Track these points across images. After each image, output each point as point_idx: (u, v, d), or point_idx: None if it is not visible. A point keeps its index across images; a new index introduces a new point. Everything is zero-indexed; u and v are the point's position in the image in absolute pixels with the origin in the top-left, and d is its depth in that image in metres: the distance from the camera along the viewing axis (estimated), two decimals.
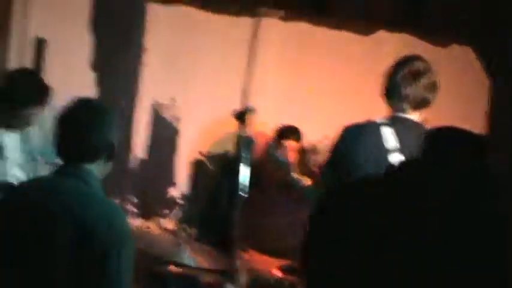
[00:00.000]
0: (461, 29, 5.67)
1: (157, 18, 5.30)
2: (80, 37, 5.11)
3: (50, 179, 2.73)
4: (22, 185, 3.06)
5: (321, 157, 5.64)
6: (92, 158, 2.59)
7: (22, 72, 4.20)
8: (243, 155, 3.97)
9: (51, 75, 4.68)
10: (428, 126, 5.72)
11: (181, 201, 5.34)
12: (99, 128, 2.59)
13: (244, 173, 3.93)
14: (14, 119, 3.95)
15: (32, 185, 2.84)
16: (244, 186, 3.92)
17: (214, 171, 5.44)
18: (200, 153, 5.38)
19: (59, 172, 2.63)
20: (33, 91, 3.90)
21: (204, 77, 5.42)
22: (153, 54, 5.30)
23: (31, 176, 4.02)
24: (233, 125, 5.42)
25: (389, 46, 5.71)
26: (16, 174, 4.01)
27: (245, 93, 5.43)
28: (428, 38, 5.83)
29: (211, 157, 5.46)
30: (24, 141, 4.09)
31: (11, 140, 4.03)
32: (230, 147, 5.47)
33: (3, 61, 4.95)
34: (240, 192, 3.88)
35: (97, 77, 5.14)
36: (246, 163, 3.93)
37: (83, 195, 2.54)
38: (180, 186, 5.39)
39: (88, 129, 2.58)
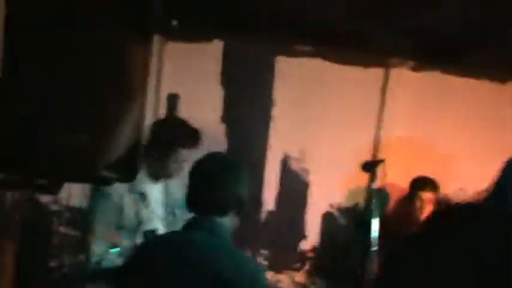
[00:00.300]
0: None
1: (285, 70, 5.33)
2: (211, 91, 5.20)
3: (182, 232, 2.75)
4: (157, 237, 3.16)
5: None
6: (223, 212, 2.63)
7: (173, 117, 4.25)
8: (374, 207, 3.91)
9: None
10: None
11: (312, 255, 5.29)
12: (230, 183, 2.64)
13: (374, 226, 3.87)
14: (160, 165, 3.91)
15: (165, 238, 2.90)
16: (375, 238, 3.86)
17: (345, 224, 5.36)
18: (331, 205, 5.32)
19: (191, 225, 2.67)
20: (184, 131, 3.90)
21: (334, 129, 5.38)
22: (282, 106, 5.33)
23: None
24: (363, 177, 5.41)
25: None
26: (157, 227, 3.97)
27: (376, 145, 5.41)
28: None
29: (342, 210, 5.38)
30: (166, 193, 4.10)
31: (154, 191, 4.02)
32: (360, 200, 5.42)
33: (140, 117, 5.08)
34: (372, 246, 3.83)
35: (227, 130, 5.19)
36: (376, 216, 3.87)
37: (215, 247, 2.56)
38: (311, 239, 5.33)
39: (219, 183, 2.63)
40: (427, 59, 5.43)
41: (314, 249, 5.32)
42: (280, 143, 5.26)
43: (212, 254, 2.53)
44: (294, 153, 5.30)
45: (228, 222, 2.65)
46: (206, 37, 5.17)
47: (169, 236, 2.96)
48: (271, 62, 5.31)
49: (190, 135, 3.89)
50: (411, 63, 5.47)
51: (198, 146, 3.83)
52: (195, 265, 2.51)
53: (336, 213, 5.35)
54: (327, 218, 5.34)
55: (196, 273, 2.48)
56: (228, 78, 5.24)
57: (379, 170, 4.04)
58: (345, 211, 5.39)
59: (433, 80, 5.51)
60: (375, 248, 3.89)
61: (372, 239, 3.89)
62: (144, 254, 2.73)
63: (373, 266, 3.89)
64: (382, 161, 4.12)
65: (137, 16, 4.79)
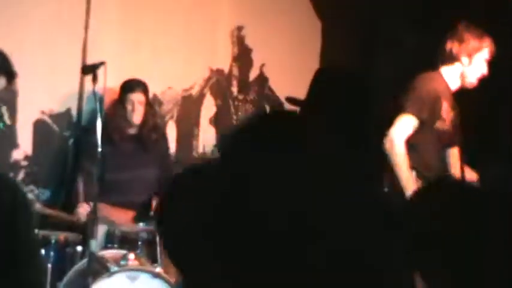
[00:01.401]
0: None
1: None
2: None
3: None
4: None
5: (166, 108, 5.70)
6: None
7: None
8: (98, 111, 3.95)
9: None
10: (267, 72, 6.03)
11: (25, 163, 5.18)
12: None
13: (100, 130, 3.92)
14: None
15: None
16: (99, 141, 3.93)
17: (58, 130, 5.32)
18: (42, 112, 5.22)
19: None
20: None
21: (41, 32, 5.22)
22: None
23: None
24: (72, 80, 5.38)
25: None
26: None
27: (84, 48, 5.37)
28: None
29: (55, 116, 5.31)
30: None
31: None
32: (72, 105, 5.40)
33: None
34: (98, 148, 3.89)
35: None
36: (100, 118, 3.92)
37: None
38: (24, 147, 5.20)
39: None
40: None
41: (27, 158, 5.21)
42: None
43: None
44: None
45: None
46: None
47: None
48: None
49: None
50: None
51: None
52: None
53: (48, 119, 5.27)
54: (40, 126, 5.24)
55: None
56: None
57: (100, 72, 4.03)
58: (58, 117, 5.33)
59: None
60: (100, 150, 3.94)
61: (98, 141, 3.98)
62: None
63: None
64: (102, 63, 4.11)
65: None
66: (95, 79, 4.07)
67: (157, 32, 5.64)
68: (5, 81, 4.01)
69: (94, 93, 4.09)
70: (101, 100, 4.14)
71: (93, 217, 4.06)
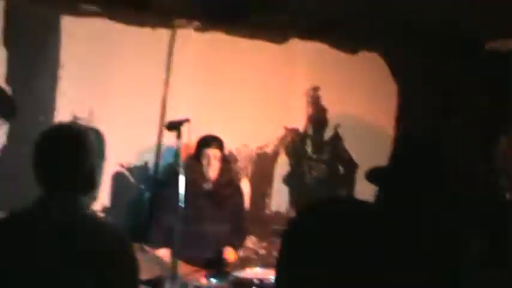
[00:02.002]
0: (370, 36, 5.88)
1: (72, 31, 5.23)
2: None
3: (32, 210, 2.58)
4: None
5: (241, 164, 5.77)
6: (73, 188, 2.52)
7: None
8: (180, 165, 3.99)
9: None
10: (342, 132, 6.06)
11: (103, 214, 5.30)
12: (76, 157, 2.53)
13: (182, 183, 3.96)
14: None
15: (16, 216, 2.65)
16: (182, 196, 3.97)
17: (135, 183, 5.44)
18: (121, 165, 5.36)
19: (42, 202, 2.54)
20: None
21: (122, 90, 5.39)
22: (68, 67, 5.23)
23: None
24: (151, 136, 5.52)
25: (303, 54, 5.89)
26: None
27: (163, 105, 5.52)
28: (338, 45, 6.03)
29: (132, 168, 5.46)
30: None
31: None
32: (149, 159, 5.53)
33: None
34: (180, 203, 3.94)
35: (13, 93, 5.04)
36: (182, 174, 3.97)
37: (70, 221, 2.47)
38: (102, 199, 5.34)
39: (65, 158, 2.52)
40: (211, 20, 5.60)
41: (104, 210, 5.34)
42: (68, 104, 5.18)
43: (68, 227, 2.44)
44: (82, 114, 5.24)
45: (83, 197, 2.54)
46: None
47: (20, 214, 2.69)
48: (57, 21, 5.18)
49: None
50: (196, 23, 5.62)
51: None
52: (55, 239, 2.41)
53: (126, 172, 5.40)
54: (118, 178, 5.38)
55: (55, 248, 2.40)
56: (11, 38, 5.05)
57: (183, 130, 4.10)
58: (135, 170, 5.46)
59: (217, 40, 5.69)
60: (182, 205, 3.98)
61: (180, 196, 3.97)
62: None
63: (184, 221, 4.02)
64: (187, 120, 4.15)
65: None
66: (179, 135, 4.09)
67: (234, 91, 5.77)
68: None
69: (178, 149, 4.11)
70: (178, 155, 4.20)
71: (171, 272, 4.06)
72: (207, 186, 5.11)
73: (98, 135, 2.72)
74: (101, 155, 2.67)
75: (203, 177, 5.05)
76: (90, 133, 2.66)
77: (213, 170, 5.04)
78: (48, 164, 2.53)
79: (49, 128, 2.74)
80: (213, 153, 5.04)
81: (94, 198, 2.60)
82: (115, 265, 2.44)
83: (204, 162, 5.03)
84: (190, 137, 4.24)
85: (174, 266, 4.10)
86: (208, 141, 5.08)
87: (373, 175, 2.38)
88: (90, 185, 2.57)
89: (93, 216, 2.61)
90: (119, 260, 2.47)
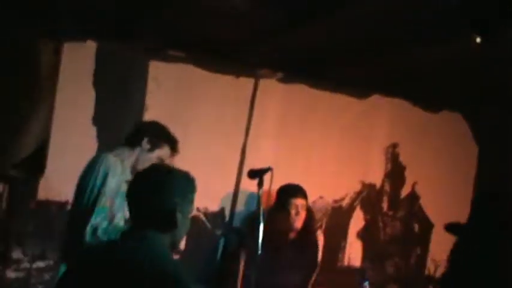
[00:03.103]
0: (452, 95, 5.85)
1: (158, 75, 5.37)
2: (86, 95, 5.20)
3: (118, 241, 2.72)
4: (94, 246, 3.13)
5: (316, 216, 5.77)
6: (158, 226, 2.59)
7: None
8: (261, 213, 3.99)
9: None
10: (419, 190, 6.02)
11: (177, 257, 5.34)
12: (167, 198, 2.61)
13: (261, 232, 3.97)
14: (147, 159, 4.14)
15: (102, 247, 2.84)
16: (260, 244, 3.97)
17: (211, 228, 5.50)
18: (198, 209, 5.42)
19: (127, 235, 2.66)
20: (169, 134, 4.26)
21: (204, 135, 5.50)
22: (154, 111, 5.35)
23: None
24: (229, 182, 5.57)
25: (384, 110, 5.90)
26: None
27: (243, 153, 5.58)
28: (420, 103, 6.01)
29: (209, 214, 5.51)
30: None
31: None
32: (226, 205, 5.58)
33: (48, 118, 5.08)
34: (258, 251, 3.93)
35: (98, 132, 5.18)
36: (263, 221, 3.98)
37: (147, 257, 2.53)
38: None
39: (156, 197, 2.61)
40: (294, 72, 5.69)
41: (180, 252, 5.39)
42: None
43: (143, 264, 2.50)
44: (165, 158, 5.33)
45: (160, 234, 2.60)
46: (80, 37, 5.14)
47: (107, 245, 2.90)
48: (145, 66, 5.33)
49: (173, 138, 4.10)
50: (279, 74, 5.70)
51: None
52: (128, 274, 2.48)
53: (202, 217, 5.45)
54: (194, 222, 5.43)
55: (129, 282, 2.47)
56: (101, 81, 5.21)
57: (266, 177, 4.11)
58: (212, 215, 5.51)
59: (299, 92, 5.77)
60: (260, 252, 3.97)
61: (259, 244, 3.96)
62: (83, 262, 2.69)
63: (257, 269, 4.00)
64: (269, 169, 4.16)
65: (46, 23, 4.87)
66: (260, 183, 4.12)
67: (313, 144, 5.82)
68: (168, 150, 4.28)
69: (259, 197, 4.10)
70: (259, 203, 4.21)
71: None
72: (292, 235, 5.05)
73: (187, 178, 2.75)
74: (184, 195, 2.67)
75: (290, 226, 4.99)
76: (176, 174, 2.75)
77: (300, 219, 4.99)
78: (134, 201, 2.65)
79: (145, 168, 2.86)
80: (300, 202, 5.00)
81: (176, 242, 2.58)
82: None
83: (293, 211, 4.97)
84: (271, 186, 4.22)
85: None
86: (295, 190, 5.05)
87: (453, 227, 2.44)
88: (170, 223, 2.61)
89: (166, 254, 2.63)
90: None
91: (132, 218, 2.67)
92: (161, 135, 4.28)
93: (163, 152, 4.23)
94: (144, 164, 4.05)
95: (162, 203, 2.60)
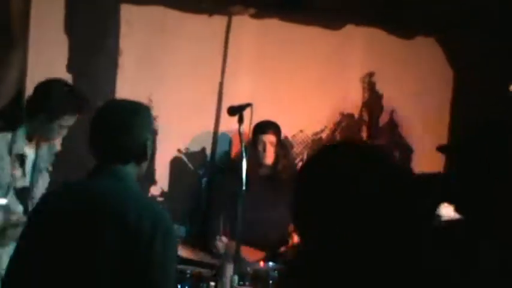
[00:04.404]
0: (427, 20, 5.85)
1: (130, 18, 5.35)
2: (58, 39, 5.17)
3: (85, 180, 2.77)
4: (59, 189, 3.04)
5: (298, 149, 5.82)
6: (125, 160, 2.65)
7: (58, 82, 4.24)
8: (243, 149, 4.03)
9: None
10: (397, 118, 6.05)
11: (161, 199, 5.40)
12: (131, 129, 2.66)
13: (244, 168, 4.00)
14: (48, 129, 4.09)
15: (71, 188, 2.85)
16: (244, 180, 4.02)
17: (193, 168, 5.52)
18: (179, 150, 5.44)
19: (95, 173, 2.70)
20: (71, 101, 4.07)
21: (180, 75, 5.49)
22: (127, 54, 5.36)
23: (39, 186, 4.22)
24: (208, 122, 5.60)
25: (358, 39, 5.90)
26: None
27: (220, 91, 5.59)
28: (395, 30, 6.01)
29: (190, 154, 5.52)
30: (38, 155, 4.24)
31: (41, 152, 4.22)
32: (207, 144, 5.61)
33: (23, 68, 5.06)
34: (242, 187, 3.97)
35: (73, 78, 5.13)
36: (245, 157, 4.01)
37: (119, 192, 2.62)
38: (160, 184, 5.44)
39: (120, 130, 2.66)
40: (267, 7, 5.67)
41: (163, 194, 5.44)
42: (128, 91, 5.26)
43: (115, 199, 2.59)
44: (142, 100, 5.31)
45: (132, 169, 2.67)
46: None
47: (73, 185, 2.89)
48: (117, 9, 5.30)
49: (77, 104, 4.05)
50: (252, 10, 5.67)
51: (83, 114, 3.95)
52: (100, 211, 2.55)
53: (184, 158, 5.48)
54: (176, 164, 5.47)
55: (100, 219, 2.53)
56: (73, 27, 5.19)
57: (246, 115, 4.14)
58: (193, 155, 5.53)
59: (273, 26, 5.75)
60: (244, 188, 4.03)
61: (243, 180, 4.02)
62: (46, 205, 2.76)
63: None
64: (249, 104, 4.21)
65: None
66: (240, 120, 4.16)
67: (291, 79, 5.80)
68: (73, 116, 4.16)
69: (240, 134, 4.15)
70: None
71: (234, 255, 4.12)
72: (263, 172, 5.16)
73: (150, 112, 2.84)
74: (151, 129, 2.82)
75: (259, 163, 5.10)
76: (144, 109, 2.82)
77: (268, 156, 5.10)
78: (106, 135, 2.68)
79: (107, 102, 3.02)
80: (268, 139, 5.10)
81: (141, 173, 2.67)
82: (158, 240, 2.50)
83: (260, 147, 5.09)
84: (251, 122, 4.25)
85: (236, 251, 4.17)
86: (264, 127, 5.12)
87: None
88: (142, 156, 2.69)
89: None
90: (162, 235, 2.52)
91: (99, 154, 2.70)
92: (58, 110, 4.10)
93: (64, 121, 4.10)
94: (47, 134, 4.14)
95: (136, 138, 2.66)
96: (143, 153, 2.69)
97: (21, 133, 4.10)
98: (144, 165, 2.75)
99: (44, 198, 3.00)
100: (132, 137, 2.66)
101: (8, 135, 4.10)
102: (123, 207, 2.54)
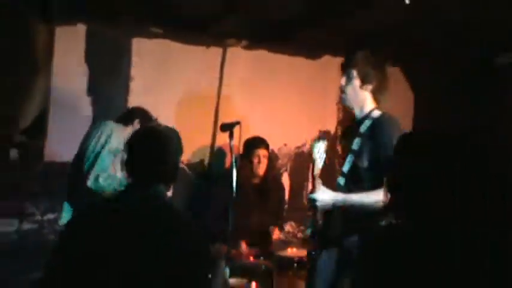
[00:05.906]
0: (391, 52, 6.40)
1: (140, 50, 5.94)
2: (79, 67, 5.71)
3: (118, 196, 2.85)
4: (95, 203, 3.08)
5: (283, 161, 6.49)
6: (158, 181, 2.77)
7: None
8: (233, 161, 4.16)
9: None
10: None
11: None
12: (165, 157, 2.81)
13: (234, 177, 4.16)
14: None
15: (101, 204, 2.96)
16: (234, 187, 4.17)
17: (192, 177, 6.08)
18: (182, 162, 5.88)
19: (128, 190, 2.78)
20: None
21: (182, 98, 6.10)
22: (138, 81, 5.93)
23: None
24: (205, 138, 6.22)
25: (334, 68, 6.51)
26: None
27: (216, 112, 6.29)
28: None
29: (190, 164, 6.10)
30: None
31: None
32: (205, 157, 6.25)
33: (46, 89, 5.46)
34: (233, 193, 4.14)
35: (92, 100, 5.73)
36: (235, 167, 4.19)
37: (153, 210, 2.71)
38: None
39: (156, 159, 2.78)
40: (257, 39, 6.30)
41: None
42: None
43: (150, 216, 2.67)
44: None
45: (163, 188, 2.81)
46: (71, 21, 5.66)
47: (113, 196, 3.10)
48: (129, 42, 5.90)
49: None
50: (244, 42, 6.35)
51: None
52: (135, 228, 2.62)
53: (186, 169, 6.03)
54: (180, 173, 5.98)
55: (136, 236, 2.60)
56: (92, 57, 5.70)
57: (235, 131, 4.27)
58: (192, 166, 6.12)
59: (262, 56, 6.44)
60: (234, 194, 4.17)
61: (233, 190, 4.15)
62: (83, 219, 2.78)
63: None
64: (238, 123, 4.31)
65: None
66: (231, 136, 4.26)
67: (277, 100, 6.50)
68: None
69: (231, 148, 4.24)
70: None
71: (227, 254, 4.38)
72: (255, 181, 5.49)
73: (178, 135, 3.28)
74: (180, 152, 3.10)
75: (253, 173, 5.43)
76: (176, 134, 3.25)
77: (262, 167, 5.43)
78: (143, 161, 2.77)
79: (142, 129, 3.30)
80: (262, 152, 5.43)
81: (167, 192, 2.82)
82: (194, 258, 2.64)
83: (255, 160, 5.39)
84: (241, 137, 4.44)
85: (229, 249, 4.46)
86: (258, 142, 5.45)
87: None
88: (173, 177, 2.88)
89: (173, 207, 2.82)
90: (198, 253, 2.67)
91: (134, 173, 2.76)
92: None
93: None
94: None
95: (169, 161, 2.82)
96: (174, 177, 2.86)
97: None
98: (173, 185, 2.93)
99: (85, 210, 2.96)
100: (166, 164, 2.80)
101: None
102: (157, 223, 2.65)
